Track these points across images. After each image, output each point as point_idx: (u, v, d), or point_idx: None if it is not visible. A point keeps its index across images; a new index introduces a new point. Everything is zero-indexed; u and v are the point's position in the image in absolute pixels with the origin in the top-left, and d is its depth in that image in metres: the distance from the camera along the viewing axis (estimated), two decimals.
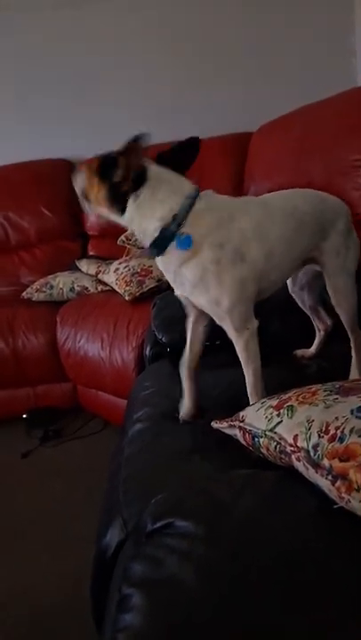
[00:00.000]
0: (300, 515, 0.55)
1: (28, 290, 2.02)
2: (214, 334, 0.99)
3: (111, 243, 2.18)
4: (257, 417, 0.72)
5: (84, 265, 2.06)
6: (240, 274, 0.84)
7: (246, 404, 0.84)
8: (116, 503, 0.79)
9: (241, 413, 0.77)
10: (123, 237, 1.82)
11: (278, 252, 0.89)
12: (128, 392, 1.41)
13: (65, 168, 2.36)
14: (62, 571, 1.23)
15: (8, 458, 1.76)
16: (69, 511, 1.44)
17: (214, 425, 0.82)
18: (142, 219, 0.84)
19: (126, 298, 1.70)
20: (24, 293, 2.02)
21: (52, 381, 1.91)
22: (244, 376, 0.90)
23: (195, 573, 0.49)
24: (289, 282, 1.11)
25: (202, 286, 0.85)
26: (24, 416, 1.91)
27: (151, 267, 1.72)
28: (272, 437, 0.66)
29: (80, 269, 2.08)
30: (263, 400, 0.77)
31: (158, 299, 1.37)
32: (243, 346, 0.88)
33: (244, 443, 0.76)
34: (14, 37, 2.32)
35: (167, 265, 0.88)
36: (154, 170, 0.84)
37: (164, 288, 1.69)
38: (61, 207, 2.32)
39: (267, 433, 0.68)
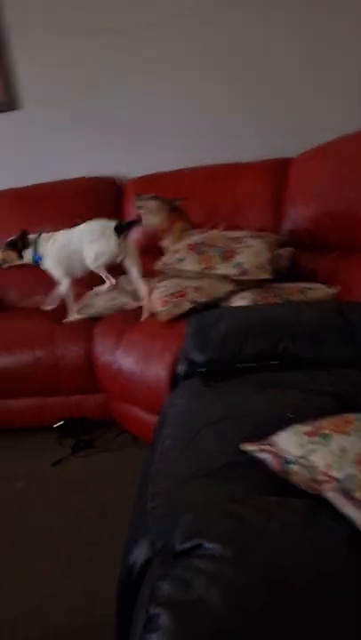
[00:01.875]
0: (330, 545, 0.54)
1: (70, 315, 2.05)
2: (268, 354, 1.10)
3: (149, 261, 2.23)
4: (289, 442, 0.72)
5: (123, 281, 2.12)
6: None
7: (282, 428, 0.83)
8: (144, 520, 0.80)
9: (273, 437, 0.77)
10: (161, 263, 1.85)
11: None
12: (159, 408, 1.43)
13: (110, 186, 2.46)
14: (73, 590, 1.21)
15: (39, 465, 1.80)
16: (81, 527, 1.44)
17: (243, 447, 0.82)
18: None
19: (162, 318, 1.73)
20: (65, 320, 2.05)
21: (86, 392, 1.96)
22: (287, 399, 0.91)
23: (223, 597, 0.50)
24: None
25: None
26: (57, 424, 1.96)
27: (187, 288, 1.75)
28: (304, 465, 0.66)
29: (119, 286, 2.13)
30: (296, 425, 0.77)
31: (193, 319, 1.39)
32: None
33: (274, 468, 0.76)
34: (72, 62, 2.45)
35: None
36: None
37: (199, 309, 1.71)
38: None
39: (299, 460, 0.67)
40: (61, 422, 1.95)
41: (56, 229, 2.07)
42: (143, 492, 0.89)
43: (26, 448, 1.93)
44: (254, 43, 2.29)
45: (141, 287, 1.90)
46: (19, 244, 2.01)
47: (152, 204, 2.06)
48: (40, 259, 2.01)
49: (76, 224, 2.01)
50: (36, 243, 2.01)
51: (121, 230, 1.89)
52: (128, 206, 2.38)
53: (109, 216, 2.39)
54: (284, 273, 1.83)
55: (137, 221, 1.97)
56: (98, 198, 2.39)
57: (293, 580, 0.51)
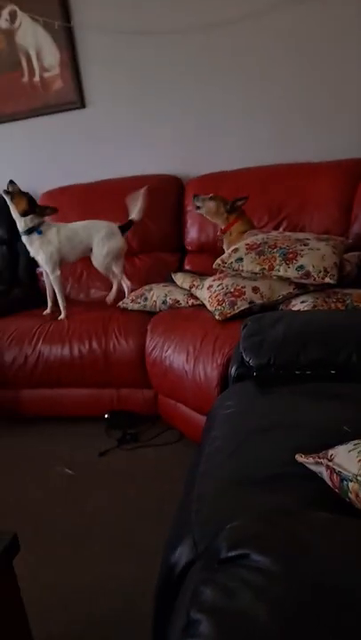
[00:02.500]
0: None
1: (125, 300, 2.13)
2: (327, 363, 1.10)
3: (207, 259, 2.22)
4: (348, 458, 0.67)
5: (179, 278, 2.12)
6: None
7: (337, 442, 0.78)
8: (188, 521, 0.78)
9: (330, 451, 0.72)
10: (219, 261, 1.83)
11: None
12: (207, 408, 1.41)
13: (174, 184, 2.47)
14: (123, 578, 1.25)
15: (87, 455, 1.84)
16: (136, 518, 1.47)
17: (299, 458, 0.78)
18: None
19: (216, 317, 1.71)
20: (120, 303, 2.13)
21: (135, 386, 1.98)
22: (345, 412, 0.86)
23: (268, 612, 0.47)
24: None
25: None
26: (106, 416, 2.00)
27: (245, 287, 1.71)
28: None
29: (175, 282, 2.14)
30: (356, 441, 0.72)
31: (250, 320, 1.35)
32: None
33: (329, 483, 0.72)
34: (137, 62, 2.48)
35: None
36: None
37: (255, 310, 1.67)
38: (166, 221, 2.42)
39: (358, 478, 0.63)
40: (106, 415, 1.99)
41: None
42: (189, 491, 0.87)
43: (76, 436, 1.99)
44: (324, 41, 2.20)
45: (125, 281, 2.23)
46: (31, 201, 2.06)
47: (210, 204, 2.05)
48: (40, 233, 2.06)
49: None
50: (40, 222, 2.08)
51: (125, 230, 2.15)
52: (189, 204, 2.38)
53: (173, 214, 2.42)
54: (351, 279, 1.74)
55: (132, 222, 2.18)
56: (161, 196, 2.40)
57: (345, 603, 0.47)
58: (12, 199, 2.03)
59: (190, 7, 2.31)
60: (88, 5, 2.45)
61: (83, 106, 2.63)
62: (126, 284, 2.23)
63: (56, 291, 2.15)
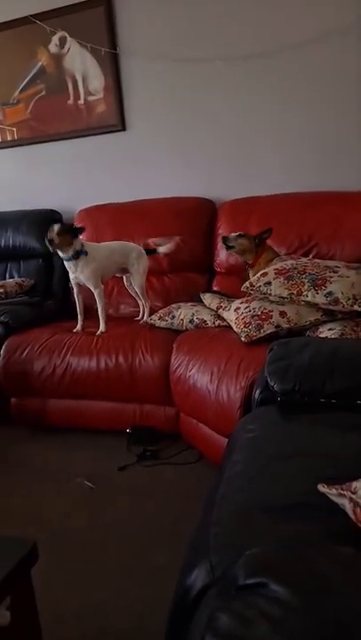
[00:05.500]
0: None
1: (153, 316, 2.16)
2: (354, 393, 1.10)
3: (235, 281, 2.24)
4: None
5: (207, 298, 2.14)
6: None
7: None
8: (205, 544, 0.78)
9: (354, 484, 0.71)
10: (247, 284, 1.84)
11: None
12: (228, 430, 1.40)
13: (207, 207, 2.52)
14: (135, 596, 1.24)
15: (107, 468, 1.85)
16: (152, 535, 1.46)
17: (321, 489, 0.77)
18: None
19: (242, 339, 1.71)
20: (148, 319, 2.17)
21: (158, 403, 1.99)
22: None
23: None
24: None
25: None
26: (128, 430, 2.01)
27: (272, 311, 1.72)
28: None
29: (202, 302, 2.16)
30: None
31: (276, 345, 1.35)
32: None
33: (352, 516, 0.71)
34: (173, 87, 2.58)
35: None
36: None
37: (282, 335, 1.67)
38: (197, 242, 2.45)
39: None
40: (128, 430, 2.01)
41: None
42: (207, 514, 0.87)
43: (97, 449, 2.01)
44: None
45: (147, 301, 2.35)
46: (73, 231, 2.07)
47: (243, 241, 2.09)
48: (86, 254, 2.09)
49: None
50: (82, 244, 2.11)
51: (149, 253, 2.30)
52: (220, 227, 2.41)
53: (204, 236, 2.46)
54: None
55: (157, 251, 2.31)
56: (193, 217, 2.45)
57: None
58: (59, 247, 2.04)
59: (231, 37, 2.40)
60: (133, 34, 2.57)
61: (123, 129, 2.73)
62: (148, 304, 2.32)
63: (99, 305, 2.18)
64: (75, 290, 2.23)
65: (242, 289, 1.87)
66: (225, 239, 2.13)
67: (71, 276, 2.17)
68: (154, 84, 2.61)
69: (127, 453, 1.94)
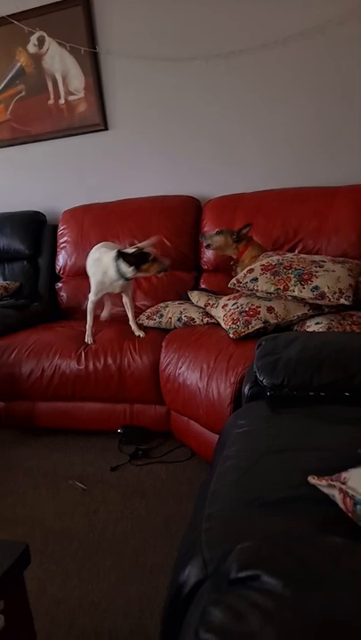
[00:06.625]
0: None
1: (141, 316, 2.15)
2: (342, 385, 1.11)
3: (222, 278, 2.24)
4: None
5: (195, 296, 2.14)
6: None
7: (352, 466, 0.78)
8: (198, 540, 0.78)
9: (343, 474, 0.72)
10: (234, 281, 1.85)
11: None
12: (219, 426, 1.41)
13: (192, 204, 2.52)
14: (130, 596, 1.24)
15: (99, 469, 1.85)
16: (145, 534, 1.46)
17: (311, 480, 0.78)
18: None
19: (231, 335, 1.72)
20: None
21: (148, 402, 1.99)
22: (359, 435, 0.87)
23: (276, 637, 0.47)
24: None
25: None
26: (119, 430, 2.00)
27: (259, 307, 1.72)
28: None
29: (190, 300, 2.16)
30: None
31: (264, 340, 1.36)
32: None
33: (342, 506, 0.71)
34: (158, 86, 2.56)
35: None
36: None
37: (270, 330, 1.68)
38: (183, 240, 2.45)
39: None
40: (119, 430, 2.00)
41: (132, 244, 2.17)
42: (199, 510, 0.87)
43: (88, 450, 2.00)
44: (348, 68, 2.24)
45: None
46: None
47: (217, 238, 2.11)
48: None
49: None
50: None
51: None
52: (206, 225, 2.41)
53: (191, 234, 2.46)
54: None
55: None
56: (179, 216, 2.45)
57: (354, 635, 0.47)
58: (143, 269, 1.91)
59: (212, 35, 2.40)
60: (113, 32, 2.55)
61: (106, 128, 2.72)
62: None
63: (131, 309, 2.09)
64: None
65: (229, 285, 1.87)
66: (202, 236, 2.16)
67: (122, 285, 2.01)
68: (135, 83, 2.60)
69: (119, 453, 1.93)
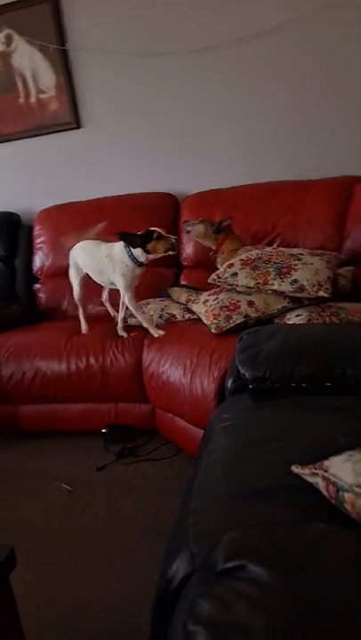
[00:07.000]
0: None
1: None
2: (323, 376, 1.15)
3: (202, 274, 2.24)
4: (344, 469, 0.68)
5: (175, 292, 2.14)
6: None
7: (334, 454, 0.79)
8: (185, 534, 0.78)
9: (326, 462, 0.73)
10: (214, 276, 1.85)
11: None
12: (204, 421, 1.41)
13: (170, 201, 2.51)
14: (121, 594, 1.24)
15: (85, 469, 1.84)
16: (134, 533, 1.46)
17: (295, 469, 0.79)
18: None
19: (212, 330, 1.73)
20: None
21: (132, 401, 1.98)
22: (340, 424, 0.91)
23: (264, 624, 0.48)
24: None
25: None
26: (103, 430, 1.99)
27: (240, 302, 1.73)
28: (359, 493, 0.62)
29: (171, 296, 2.16)
30: (351, 452, 0.73)
31: (245, 334, 1.37)
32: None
33: (325, 493, 0.72)
34: (128, 82, 2.54)
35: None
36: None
37: (251, 324, 1.69)
38: None
39: (354, 488, 0.64)
40: (104, 430, 1.99)
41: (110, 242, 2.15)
42: (186, 504, 0.87)
43: (74, 451, 1.99)
44: (319, 64, 2.27)
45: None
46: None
47: (199, 227, 2.12)
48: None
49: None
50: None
51: None
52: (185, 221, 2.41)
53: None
54: (346, 293, 1.77)
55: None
56: (157, 213, 2.44)
57: (339, 618, 0.48)
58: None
59: (184, 30, 2.39)
60: (82, 29, 2.52)
61: (78, 126, 2.69)
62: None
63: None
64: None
65: (209, 281, 1.87)
66: (185, 223, 2.18)
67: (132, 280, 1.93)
68: (108, 80, 2.57)
69: (105, 453, 1.93)
